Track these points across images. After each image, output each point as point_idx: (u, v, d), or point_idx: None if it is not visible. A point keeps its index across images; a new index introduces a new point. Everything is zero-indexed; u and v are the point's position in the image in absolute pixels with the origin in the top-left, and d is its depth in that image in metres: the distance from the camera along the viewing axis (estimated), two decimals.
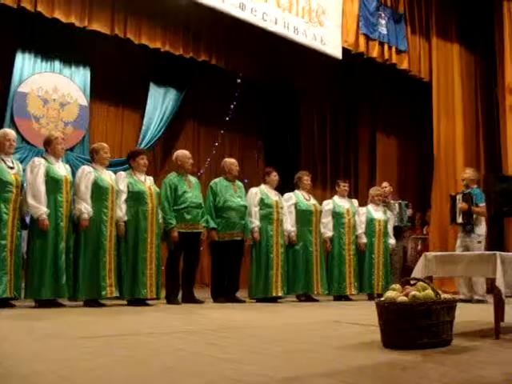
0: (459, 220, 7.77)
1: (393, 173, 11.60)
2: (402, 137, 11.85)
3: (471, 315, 5.03)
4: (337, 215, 8.05)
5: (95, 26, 8.44)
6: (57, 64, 9.71)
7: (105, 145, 6.60)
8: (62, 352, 3.01)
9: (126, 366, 2.64)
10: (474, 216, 7.73)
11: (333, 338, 3.69)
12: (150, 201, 6.48)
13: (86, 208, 6.07)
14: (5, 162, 5.78)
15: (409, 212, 9.22)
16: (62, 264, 5.85)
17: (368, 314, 4.26)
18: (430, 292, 3.27)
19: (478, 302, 7.36)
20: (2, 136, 5.90)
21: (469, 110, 10.66)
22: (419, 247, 10.60)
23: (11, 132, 6.13)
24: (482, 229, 7.78)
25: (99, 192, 6.20)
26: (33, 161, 6.04)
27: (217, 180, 7.41)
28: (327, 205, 8.09)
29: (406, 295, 3.28)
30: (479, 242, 7.69)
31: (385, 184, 9.32)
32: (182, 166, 7.02)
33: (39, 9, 7.78)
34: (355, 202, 8.48)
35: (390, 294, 3.36)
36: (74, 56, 9.83)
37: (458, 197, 7.84)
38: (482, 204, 7.61)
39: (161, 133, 10.45)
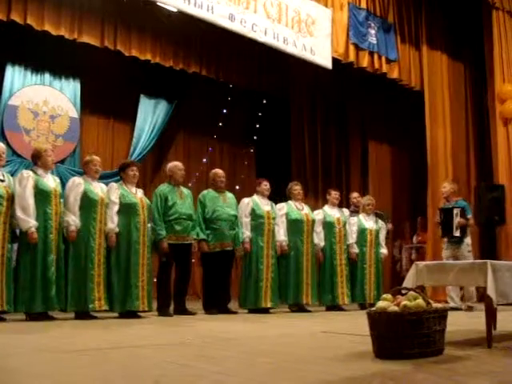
0: (456, 233, 7.86)
1: (385, 182, 11.63)
2: (394, 146, 11.88)
3: (463, 324, 5.03)
4: (327, 225, 8.05)
5: (85, 39, 8.48)
6: (47, 77, 9.70)
7: (95, 157, 6.59)
8: (53, 366, 2.99)
9: (117, 379, 2.62)
10: (467, 228, 7.96)
11: (323, 349, 3.67)
12: (141, 212, 6.47)
13: (73, 220, 6.05)
14: None
15: (388, 226, 9.03)
16: (51, 276, 5.82)
17: (360, 324, 4.25)
18: (421, 301, 3.26)
19: (452, 309, 7.35)
20: None
21: (459, 119, 10.73)
22: (413, 256, 10.63)
23: (0, 144, 6.11)
24: (469, 238, 8.02)
25: (89, 204, 6.18)
26: (21, 174, 6.01)
27: (205, 192, 7.42)
28: (317, 214, 8.07)
29: (398, 305, 3.27)
30: (469, 251, 7.90)
31: (355, 194, 9.26)
32: (173, 177, 7.02)
33: (29, 22, 7.83)
34: (346, 211, 8.47)
35: (381, 303, 3.35)
36: (64, 68, 9.82)
37: (455, 211, 7.89)
38: (470, 215, 8.08)
39: (152, 144, 10.44)
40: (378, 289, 8.17)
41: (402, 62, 10.38)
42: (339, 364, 3.07)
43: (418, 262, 4.18)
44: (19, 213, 5.74)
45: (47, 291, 5.79)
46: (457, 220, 7.86)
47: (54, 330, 4.97)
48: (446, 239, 8.12)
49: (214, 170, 7.70)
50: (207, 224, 7.11)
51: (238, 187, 10.99)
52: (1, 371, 2.81)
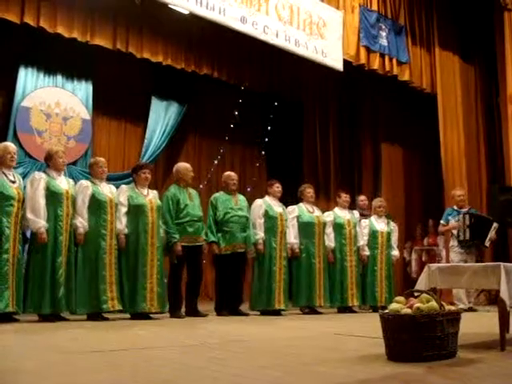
0: (487, 244, 8.17)
1: (397, 184, 11.60)
2: (405, 148, 11.85)
3: (475, 326, 5.01)
4: (337, 226, 8.04)
5: (97, 41, 8.50)
6: (59, 78, 9.72)
7: (100, 158, 6.64)
8: (64, 366, 3.00)
9: (128, 381, 2.63)
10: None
11: (336, 351, 3.67)
12: (150, 214, 6.47)
13: (81, 222, 6.08)
14: (6, 176, 5.79)
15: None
16: (60, 278, 5.84)
17: (372, 326, 4.24)
18: (434, 304, 3.25)
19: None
20: (3, 149, 5.89)
21: (471, 121, 10.70)
22: (423, 258, 10.60)
23: (11, 145, 6.14)
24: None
25: (97, 205, 6.21)
26: (33, 175, 6.06)
27: (217, 194, 7.43)
28: (328, 216, 8.07)
29: (410, 307, 3.26)
30: (478, 256, 8.25)
31: (362, 197, 9.26)
32: (182, 179, 7.03)
33: (42, 24, 7.86)
34: (356, 213, 8.46)
35: (393, 306, 3.35)
36: (76, 70, 9.84)
37: (494, 225, 8.14)
38: None
39: (163, 146, 10.45)
40: (389, 291, 8.14)
41: (413, 64, 10.37)
42: (352, 366, 3.06)
43: (431, 265, 4.16)
44: (29, 214, 5.78)
45: (55, 293, 5.81)
46: (493, 233, 8.11)
47: (65, 331, 5.00)
48: (455, 243, 8.20)
49: (226, 173, 7.70)
50: (219, 226, 7.12)
51: (248, 189, 10.96)
52: (12, 372, 2.83)
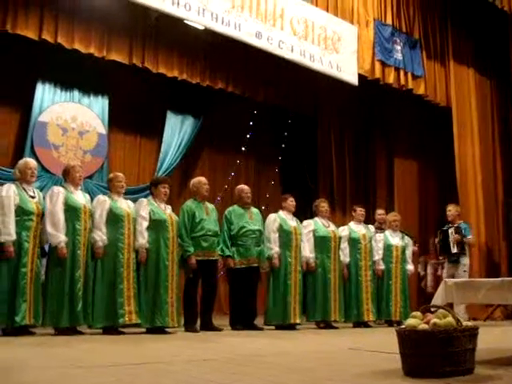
0: (454, 250, 8.47)
1: (411, 198, 11.56)
2: (420, 162, 11.81)
3: (492, 342, 4.97)
4: (353, 241, 8.03)
5: (114, 56, 8.60)
6: (76, 93, 9.84)
7: (119, 174, 6.67)
8: (81, 380, 3.01)
9: None
10: (466, 247, 8.56)
11: (352, 366, 3.65)
12: (171, 229, 6.51)
13: (99, 236, 6.12)
14: (26, 191, 5.87)
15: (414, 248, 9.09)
16: (78, 291, 5.89)
17: (387, 341, 4.22)
18: (451, 319, 3.24)
19: None
20: (23, 165, 6.01)
21: (486, 134, 10.67)
22: (439, 272, 10.54)
23: (32, 161, 6.24)
24: (467, 259, 8.55)
25: (115, 220, 6.25)
26: (52, 189, 6.12)
27: (231, 208, 7.43)
28: (343, 231, 8.07)
29: (427, 323, 3.25)
30: (465, 270, 8.42)
31: (380, 211, 9.28)
32: (198, 193, 7.05)
33: (60, 40, 7.98)
34: (371, 227, 8.45)
35: (410, 321, 3.33)
36: (92, 85, 9.96)
37: (450, 230, 8.57)
38: (470, 236, 8.75)
39: (178, 160, 10.51)
40: (404, 305, 8.11)
41: (428, 78, 10.38)
42: (368, 381, 3.06)
43: (447, 280, 4.15)
44: (49, 228, 5.83)
45: (74, 306, 5.85)
46: (452, 237, 8.47)
47: (81, 345, 5.02)
48: (447, 259, 8.63)
49: (239, 186, 7.72)
50: (233, 240, 7.13)
51: (263, 207, 10.91)
52: None
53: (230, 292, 7.33)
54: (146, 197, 7.00)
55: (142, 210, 6.46)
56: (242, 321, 7.02)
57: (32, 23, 7.78)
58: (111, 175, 6.75)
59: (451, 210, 8.83)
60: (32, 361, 3.81)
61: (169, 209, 6.73)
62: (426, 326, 3.22)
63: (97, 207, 6.23)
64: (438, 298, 4.02)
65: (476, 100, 10.64)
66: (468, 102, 10.57)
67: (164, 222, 6.49)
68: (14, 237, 5.63)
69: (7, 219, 5.64)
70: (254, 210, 7.53)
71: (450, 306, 3.70)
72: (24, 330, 5.69)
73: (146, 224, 6.41)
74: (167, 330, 6.39)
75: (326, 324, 7.64)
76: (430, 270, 10.87)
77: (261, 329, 7.04)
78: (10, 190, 5.76)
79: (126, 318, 6.09)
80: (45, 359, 3.92)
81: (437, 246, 8.78)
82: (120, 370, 3.35)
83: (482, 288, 3.88)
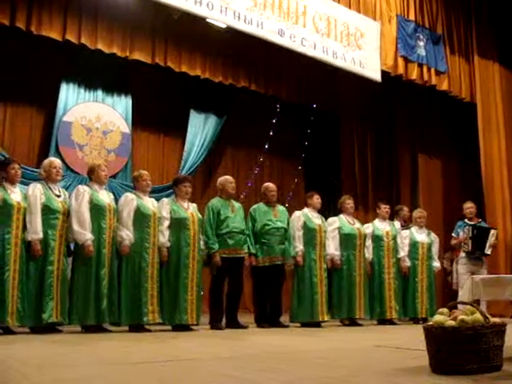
0: (488, 251, 8.39)
1: (436, 194, 11.48)
2: (443, 158, 11.73)
3: None
4: (376, 238, 8.00)
5: (136, 56, 8.64)
6: (99, 93, 9.92)
7: (143, 172, 6.69)
8: (109, 378, 3.03)
9: None
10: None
11: (379, 363, 3.64)
12: (192, 227, 6.52)
13: (127, 235, 6.15)
14: (52, 190, 5.95)
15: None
16: (103, 289, 5.94)
17: (413, 338, 4.21)
18: (478, 316, 3.21)
19: None
20: (49, 164, 6.08)
21: (511, 128, 10.54)
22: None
23: (56, 160, 6.33)
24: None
25: (142, 219, 6.28)
26: (77, 188, 6.16)
27: (256, 206, 7.43)
28: (367, 228, 8.05)
29: (454, 319, 3.23)
30: (485, 268, 8.44)
31: (406, 209, 9.24)
32: (224, 191, 7.07)
33: (83, 41, 8.04)
34: (397, 224, 8.41)
35: (437, 318, 3.31)
36: (116, 85, 10.03)
37: (492, 231, 8.46)
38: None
39: (201, 158, 10.53)
40: (430, 302, 8.06)
41: (451, 74, 10.30)
42: (395, 378, 3.04)
43: (474, 276, 4.12)
44: (76, 226, 5.89)
45: (99, 304, 5.91)
46: (493, 239, 8.38)
47: (108, 343, 5.05)
48: (463, 255, 8.46)
49: (264, 184, 7.71)
50: (257, 238, 7.13)
51: (287, 205, 10.91)
52: (57, 382, 2.88)
53: (255, 290, 7.34)
54: (169, 195, 7.03)
55: (163, 209, 6.49)
56: (268, 318, 7.03)
57: (56, 24, 7.86)
58: (136, 173, 6.77)
59: (472, 206, 8.79)
60: (62, 358, 3.85)
61: (192, 207, 6.73)
62: (453, 323, 3.19)
63: (124, 206, 6.26)
64: (464, 295, 3.99)
65: (501, 95, 10.53)
66: (493, 97, 10.46)
67: (185, 220, 6.50)
68: (40, 235, 5.71)
69: (34, 218, 5.71)
70: (280, 207, 7.52)
71: (476, 303, 3.67)
72: (51, 328, 5.77)
73: (167, 223, 6.44)
74: (193, 327, 6.41)
75: (350, 321, 7.62)
76: (455, 265, 10.79)
77: (286, 326, 7.04)
78: (36, 189, 5.84)
79: (150, 317, 6.12)
80: (74, 357, 3.95)
81: (466, 241, 8.43)
82: (147, 367, 3.37)
83: (509, 285, 3.84)
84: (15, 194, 5.75)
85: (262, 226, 7.15)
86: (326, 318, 7.26)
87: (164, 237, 6.38)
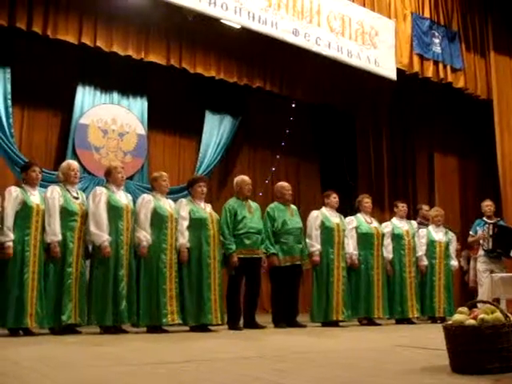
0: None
1: (452, 193, 11.43)
2: (460, 156, 11.67)
3: None
4: (396, 237, 7.96)
5: (152, 58, 8.68)
6: (115, 95, 9.97)
7: (163, 173, 6.70)
8: (127, 378, 3.04)
9: None
10: None
11: (399, 363, 3.62)
12: (211, 227, 6.53)
13: (144, 236, 6.16)
14: (70, 192, 5.98)
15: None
16: (122, 290, 5.95)
17: (432, 337, 4.19)
18: (499, 315, 3.19)
19: None
20: (67, 167, 6.12)
21: None
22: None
23: (74, 163, 6.38)
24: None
25: (159, 220, 6.29)
26: (94, 190, 6.20)
27: (272, 205, 7.39)
28: (386, 227, 8.01)
29: (475, 318, 3.20)
30: (505, 267, 8.16)
31: (425, 207, 9.20)
32: (240, 191, 7.06)
33: (98, 44, 8.10)
34: (414, 223, 8.38)
35: (457, 316, 3.29)
36: (131, 87, 10.08)
37: None
38: None
39: (217, 159, 10.55)
40: (448, 302, 8.01)
41: (467, 71, 10.24)
42: (415, 378, 3.03)
43: (494, 275, 4.10)
44: (93, 228, 5.91)
45: (118, 305, 5.92)
46: None
47: (127, 343, 5.08)
48: (482, 253, 8.30)
49: (279, 183, 7.69)
50: (276, 238, 7.09)
51: (301, 207, 10.88)
52: (77, 383, 2.89)
53: (273, 290, 7.32)
54: (185, 197, 7.04)
55: (182, 209, 6.49)
56: (285, 318, 7.02)
57: (71, 28, 7.92)
58: (155, 174, 6.77)
59: (491, 205, 8.72)
60: (81, 359, 3.87)
61: (208, 207, 6.74)
62: (473, 322, 3.17)
63: (142, 207, 6.28)
64: (484, 293, 3.96)
65: None
66: (510, 93, 10.38)
67: (204, 220, 6.51)
68: (59, 237, 5.75)
69: (53, 220, 5.75)
70: (293, 206, 7.51)
71: (496, 301, 3.64)
72: (70, 329, 5.80)
73: (186, 224, 6.44)
74: (211, 328, 6.42)
75: (368, 321, 7.59)
76: (472, 264, 10.72)
77: (304, 326, 7.02)
78: (55, 192, 5.88)
79: (169, 318, 6.12)
80: (93, 357, 3.98)
81: (486, 239, 8.29)
82: (166, 368, 3.37)
83: None
84: (35, 197, 5.79)
85: (281, 225, 7.12)
86: (341, 318, 7.21)
87: (184, 237, 6.38)
